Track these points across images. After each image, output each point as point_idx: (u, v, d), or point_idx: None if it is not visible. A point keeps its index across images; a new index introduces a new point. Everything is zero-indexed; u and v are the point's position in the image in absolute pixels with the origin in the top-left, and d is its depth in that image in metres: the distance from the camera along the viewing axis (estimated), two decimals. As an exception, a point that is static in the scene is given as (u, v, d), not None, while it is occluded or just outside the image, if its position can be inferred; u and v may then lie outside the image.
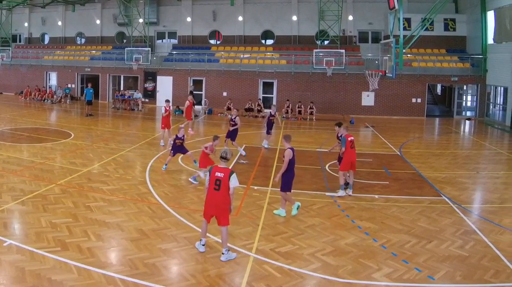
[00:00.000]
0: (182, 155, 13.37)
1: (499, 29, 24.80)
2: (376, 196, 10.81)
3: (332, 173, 12.98)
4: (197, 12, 34.69)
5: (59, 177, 11.54)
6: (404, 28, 23.03)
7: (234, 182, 6.95)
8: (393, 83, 27.18)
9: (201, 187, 10.76)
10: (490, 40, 26.53)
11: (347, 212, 9.59)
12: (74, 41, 38.58)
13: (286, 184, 9.14)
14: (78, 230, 7.98)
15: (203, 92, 30.35)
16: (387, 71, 21.03)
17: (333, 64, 27.30)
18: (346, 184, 10.88)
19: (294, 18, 32.99)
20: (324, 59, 27.70)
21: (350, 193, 10.81)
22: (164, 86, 31.00)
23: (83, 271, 6.43)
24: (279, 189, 9.33)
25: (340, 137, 11.58)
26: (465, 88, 29.64)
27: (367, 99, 28.28)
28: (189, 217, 8.90)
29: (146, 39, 32.28)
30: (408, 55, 27.80)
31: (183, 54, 32.21)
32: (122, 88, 32.11)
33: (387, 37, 26.21)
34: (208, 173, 7.21)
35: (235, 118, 15.26)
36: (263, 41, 34.28)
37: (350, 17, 31.90)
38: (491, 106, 27.53)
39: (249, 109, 27.48)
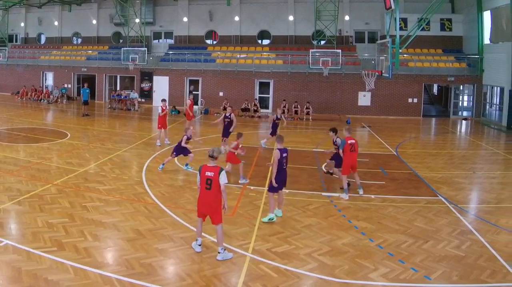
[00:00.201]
0: (182, 155, 13.26)
1: (495, 29, 24.88)
2: (373, 196, 10.83)
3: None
4: (193, 12, 34.67)
5: (56, 177, 11.51)
6: (401, 28, 23.09)
7: (223, 179, 6.96)
8: (390, 83, 27.24)
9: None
10: (486, 40, 26.63)
11: (344, 212, 9.60)
12: (71, 41, 38.50)
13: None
14: (74, 230, 7.96)
15: (199, 92, 30.31)
16: (383, 71, 21.10)
17: (330, 64, 27.27)
18: (348, 185, 10.89)
19: (291, 18, 33.01)
20: (321, 59, 27.67)
21: (361, 193, 10.87)
22: (161, 86, 30.95)
23: (80, 271, 6.41)
24: (267, 189, 9.25)
25: (335, 143, 11.58)
26: (461, 88, 29.71)
27: (364, 99, 28.32)
28: (186, 217, 8.89)
29: (142, 39, 32.26)
30: (405, 55, 27.85)
31: (180, 54, 32.18)
32: (118, 88, 32.00)
33: (383, 37, 26.31)
34: (198, 173, 7.20)
35: (230, 115, 15.29)
36: (259, 41, 34.28)
37: (347, 17, 31.94)
38: (487, 106, 27.63)
39: (246, 109, 27.48)
